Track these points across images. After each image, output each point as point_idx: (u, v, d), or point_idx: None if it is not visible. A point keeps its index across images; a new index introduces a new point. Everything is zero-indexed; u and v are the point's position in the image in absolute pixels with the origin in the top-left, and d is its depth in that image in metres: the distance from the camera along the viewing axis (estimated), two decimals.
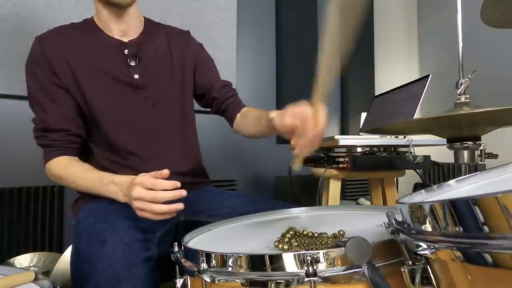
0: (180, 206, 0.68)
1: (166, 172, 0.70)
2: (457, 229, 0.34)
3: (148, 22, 1.02)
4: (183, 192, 0.68)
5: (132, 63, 0.93)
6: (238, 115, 1.04)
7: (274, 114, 0.75)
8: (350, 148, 1.28)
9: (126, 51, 0.93)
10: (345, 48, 0.60)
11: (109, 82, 0.90)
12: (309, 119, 0.64)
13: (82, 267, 0.69)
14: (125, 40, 0.95)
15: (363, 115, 1.64)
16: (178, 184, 0.69)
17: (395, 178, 1.54)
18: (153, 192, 0.67)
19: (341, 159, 1.25)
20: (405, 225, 0.44)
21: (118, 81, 0.91)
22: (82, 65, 0.88)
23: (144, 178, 0.69)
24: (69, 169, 0.86)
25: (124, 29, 0.94)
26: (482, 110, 0.59)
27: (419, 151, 1.18)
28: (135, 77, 0.92)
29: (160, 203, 0.67)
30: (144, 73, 0.94)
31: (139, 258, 0.69)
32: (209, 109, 1.12)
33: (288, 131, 0.68)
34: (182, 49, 1.03)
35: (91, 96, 0.88)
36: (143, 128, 0.93)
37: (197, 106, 1.11)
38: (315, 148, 0.67)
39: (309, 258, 0.45)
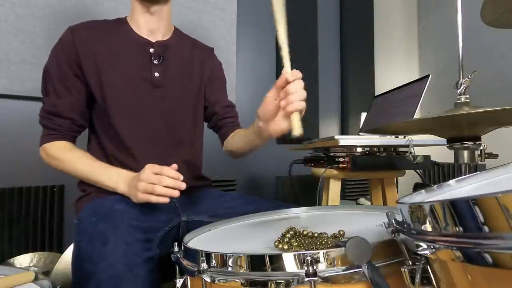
0: (175, 193, 0.76)
1: (174, 166, 0.79)
2: (457, 229, 0.34)
3: (177, 30, 1.07)
4: (183, 185, 0.77)
5: (155, 62, 0.96)
6: (230, 135, 1.09)
7: (254, 124, 0.83)
8: (350, 148, 1.28)
9: (151, 50, 0.96)
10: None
11: (130, 77, 0.93)
12: (283, 80, 0.71)
13: (83, 266, 0.69)
14: (153, 40, 0.97)
15: (363, 115, 1.64)
16: (181, 176, 0.78)
17: (395, 178, 1.54)
18: (159, 176, 0.76)
19: (341, 159, 1.25)
20: (405, 225, 0.44)
21: (139, 76, 0.94)
22: (106, 58, 0.91)
23: (154, 164, 0.78)
24: (69, 153, 0.89)
25: (153, 28, 0.97)
26: (482, 110, 0.59)
27: (419, 151, 1.18)
28: (155, 75, 0.95)
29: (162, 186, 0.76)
30: (165, 73, 0.97)
31: (141, 258, 0.69)
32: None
33: (275, 111, 0.75)
34: (204, 62, 1.08)
35: (109, 89, 0.91)
36: (153, 127, 0.95)
37: None
38: (303, 98, 0.71)
39: (309, 258, 0.45)
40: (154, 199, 0.76)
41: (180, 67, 1.01)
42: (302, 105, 0.70)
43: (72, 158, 0.88)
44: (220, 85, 1.13)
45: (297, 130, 0.69)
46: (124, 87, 0.92)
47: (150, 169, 0.77)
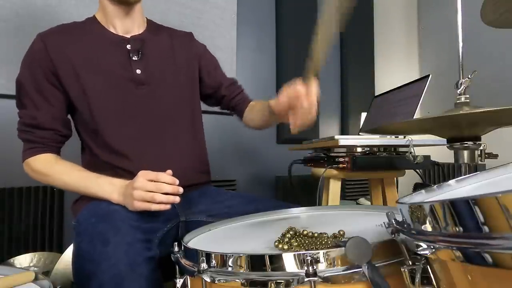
0: (177, 199, 0.76)
1: (169, 172, 0.77)
2: (457, 229, 0.34)
3: (150, 22, 1.03)
4: (180, 189, 0.77)
5: (135, 58, 0.92)
6: (246, 110, 1.09)
7: (272, 101, 0.82)
8: (350, 148, 1.28)
9: (128, 46, 0.93)
10: (339, 24, 0.66)
11: (111, 78, 0.89)
12: (302, 92, 0.70)
13: (85, 266, 0.69)
14: (127, 36, 0.94)
15: (363, 115, 1.64)
16: (177, 181, 0.77)
17: (395, 178, 1.54)
18: (155, 183, 0.75)
19: (341, 159, 1.25)
20: (405, 225, 0.44)
21: (120, 76, 0.90)
22: (83, 61, 0.88)
23: (147, 171, 0.77)
24: (56, 166, 0.87)
25: (128, 25, 0.95)
26: (482, 110, 0.59)
27: (419, 151, 1.18)
28: (137, 72, 0.92)
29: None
30: (147, 68, 0.93)
31: (142, 257, 0.69)
32: (212, 108, 1.17)
33: (285, 109, 0.75)
34: (185, 49, 1.04)
35: (91, 92, 0.88)
36: (143, 126, 0.91)
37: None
38: (312, 117, 0.73)
39: (309, 258, 0.45)
40: (155, 207, 0.75)
41: (161, 60, 0.97)
42: (310, 122, 0.73)
43: (58, 171, 0.86)
44: (215, 67, 1.10)
45: (295, 131, 0.74)
46: (106, 90, 0.88)
47: (143, 176, 0.75)
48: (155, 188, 0.74)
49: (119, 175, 0.85)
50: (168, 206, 0.76)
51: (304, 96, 0.70)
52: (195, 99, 1.05)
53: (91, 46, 0.90)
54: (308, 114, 0.72)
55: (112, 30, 0.94)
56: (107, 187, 0.82)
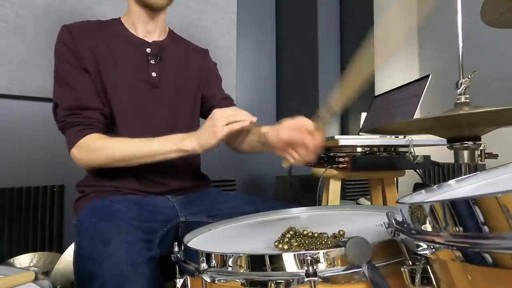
0: (254, 119, 0.78)
1: (254, 119, 0.79)
2: (457, 229, 0.34)
3: (171, 31, 1.07)
4: (254, 119, 0.79)
5: (152, 62, 0.96)
6: None
7: (266, 129, 0.80)
8: (350, 148, 1.28)
9: (148, 50, 0.96)
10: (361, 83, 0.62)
11: (128, 76, 0.92)
12: (309, 130, 0.68)
13: (86, 266, 0.69)
14: (149, 40, 0.98)
15: (363, 115, 1.64)
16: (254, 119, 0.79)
17: (395, 178, 1.54)
18: (233, 109, 0.79)
19: (341, 159, 1.25)
20: (405, 225, 0.44)
21: (137, 76, 0.93)
22: (105, 56, 0.91)
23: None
24: (112, 140, 0.84)
25: (149, 30, 0.98)
26: (482, 110, 0.59)
27: (419, 151, 1.18)
28: (152, 75, 0.95)
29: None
30: (162, 73, 0.97)
31: (144, 257, 0.69)
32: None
33: (284, 145, 0.72)
34: (199, 62, 1.08)
35: (110, 86, 0.90)
36: (152, 128, 0.93)
37: None
38: (311, 159, 0.71)
39: (309, 258, 0.45)
40: (237, 125, 0.77)
41: (176, 67, 1.01)
42: (309, 159, 0.71)
43: (116, 142, 0.83)
44: (216, 82, 1.13)
45: (286, 165, 0.74)
46: (125, 89, 0.91)
47: (219, 111, 0.79)
48: (233, 113, 0.77)
49: (123, 170, 0.87)
50: (247, 122, 0.77)
51: (311, 136, 0.69)
52: (196, 110, 1.08)
53: (113, 44, 0.93)
54: (308, 155, 0.70)
55: (133, 32, 0.97)
56: (175, 137, 0.82)
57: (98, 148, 0.83)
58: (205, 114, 1.12)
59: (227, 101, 1.11)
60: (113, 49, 0.92)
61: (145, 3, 0.93)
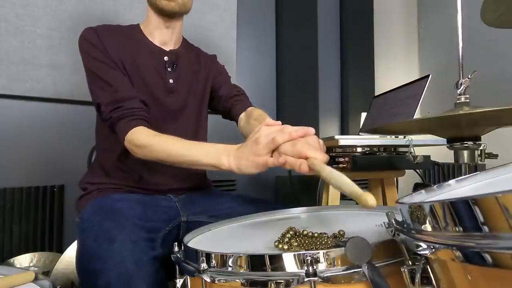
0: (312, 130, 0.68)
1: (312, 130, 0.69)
2: (457, 229, 0.34)
3: (184, 40, 1.11)
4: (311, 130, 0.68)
5: (169, 69, 1.00)
6: (243, 114, 1.05)
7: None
8: (350, 148, 1.28)
9: (165, 58, 1.00)
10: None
11: (149, 84, 0.96)
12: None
13: (90, 264, 0.70)
14: (166, 49, 1.02)
15: (363, 115, 1.64)
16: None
17: (395, 178, 1.54)
18: (281, 126, 0.68)
19: (341, 159, 1.25)
20: (405, 225, 0.44)
21: (156, 83, 0.97)
22: (129, 60, 0.94)
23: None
24: (156, 137, 0.84)
25: (166, 38, 1.02)
26: (482, 110, 0.59)
27: (419, 151, 1.18)
28: (170, 81, 1.00)
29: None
30: (178, 79, 1.01)
31: (148, 256, 0.70)
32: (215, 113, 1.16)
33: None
34: (208, 66, 1.12)
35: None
36: (165, 132, 0.90)
37: None
38: (299, 168, 0.65)
39: (309, 258, 0.45)
40: (282, 159, 0.66)
41: (190, 73, 1.05)
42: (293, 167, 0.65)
43: (160, 141, 0.82)
44: (224, 78, 1.15)
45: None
46: (145, 95, 0.94)
47: (267, 128, 0.69)
48: (280, 130, 0.66)
49: (126, 168, 0.90)
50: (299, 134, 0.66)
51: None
52: (203, 112, 1.09)
53: (133, 49, 0.96)
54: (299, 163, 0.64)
55: (151, 40, 1.00)
56: (213, 151, 0.74)
57: (143, 145, 0.83)
58: (217, 108, 1.14)
59: (235, 89, 1.12)
60: (135, 55, 0.95)
61: (158, 7, 0.95)
